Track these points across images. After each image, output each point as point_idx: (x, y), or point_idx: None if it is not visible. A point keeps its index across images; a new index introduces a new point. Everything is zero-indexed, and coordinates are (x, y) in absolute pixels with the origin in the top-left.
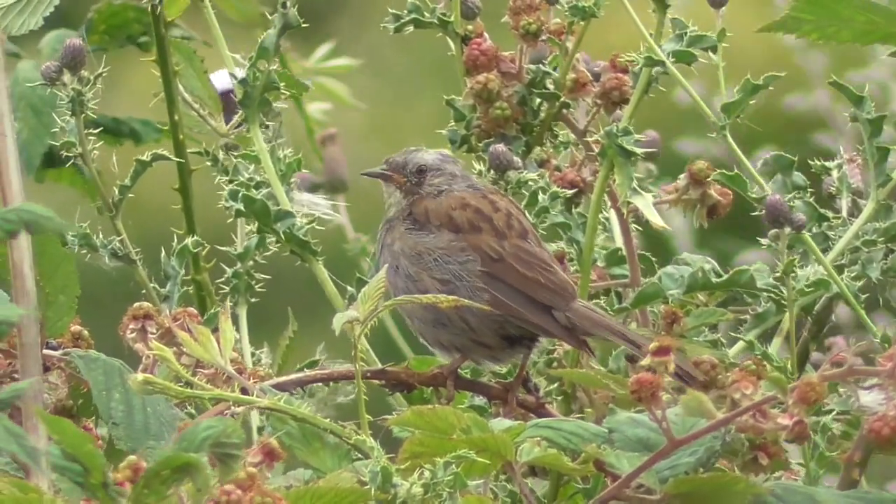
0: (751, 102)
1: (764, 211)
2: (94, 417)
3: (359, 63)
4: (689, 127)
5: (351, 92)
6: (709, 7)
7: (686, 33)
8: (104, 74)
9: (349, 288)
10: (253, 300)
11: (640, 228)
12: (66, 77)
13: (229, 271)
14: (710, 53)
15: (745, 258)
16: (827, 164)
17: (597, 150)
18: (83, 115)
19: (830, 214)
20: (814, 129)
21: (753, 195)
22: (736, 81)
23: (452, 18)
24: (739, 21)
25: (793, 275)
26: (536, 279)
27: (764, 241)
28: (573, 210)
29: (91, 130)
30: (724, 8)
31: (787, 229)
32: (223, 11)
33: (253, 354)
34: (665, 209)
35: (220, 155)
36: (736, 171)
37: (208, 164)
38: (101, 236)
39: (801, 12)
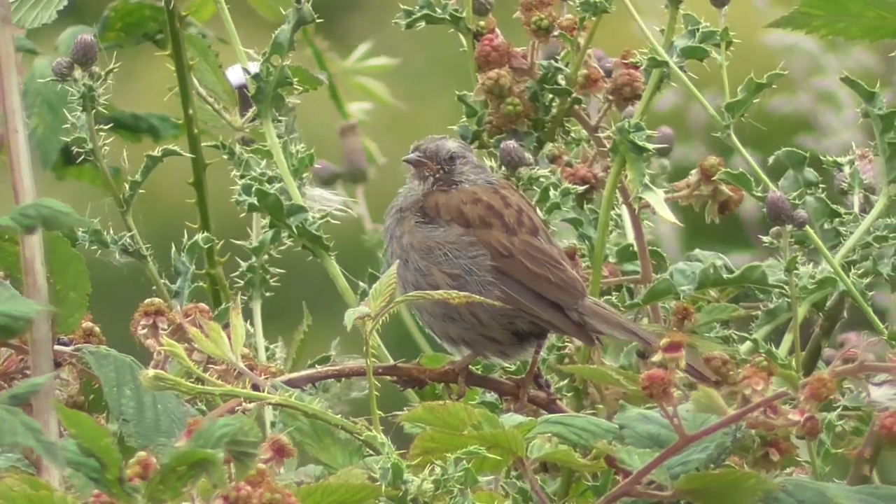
0: (754, 101)
1: (765, 208)
2: (105, 413)
3: (397, 62)
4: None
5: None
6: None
7: (698, 30)
8: (118, 69)
9: (361, 283)
10: (267, 294)
11: (651, 224)
12: (77, 73)
13: (244, 265)
14: (714, 52)
15: (734, 261)
16: (839, 159)
17: (608, 146)
18: (94, 110)
19: (842, 210)
20: (798, 131)
21: (758, 193)
22: (717, 85)
23: (464, 14)
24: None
25: (796, 272)
26: (546, 276)
27: (766, 238)
28: (585, 206)
29: (105, 126)
30: (726, 7)
31: (789, 226)
32: (236, 7)
33: (267, 349)
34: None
35: (237, 149)
36: (741, 169)
37: (224, 157)
38: (112, 232)
39: (811, 8)
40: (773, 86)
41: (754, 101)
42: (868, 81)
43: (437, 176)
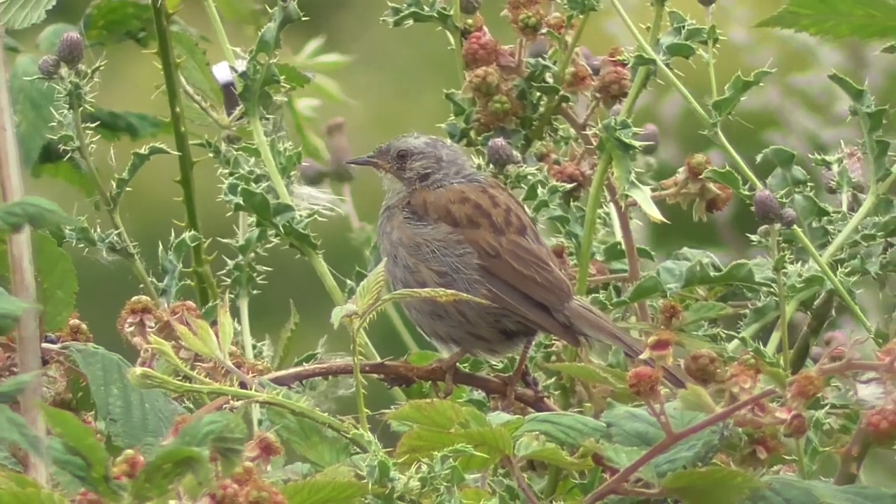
0: (741, 99)
1: (754, 207)
2: (93, 411)
3: (351, 59)
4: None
5: (354, 85)
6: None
7: (684, 27)
8: (104, 67)
9: (348, 281)
10: (255, 292)
11: (640, 223)
12: (64, 70)
13: (231, 263)
14: (701, 50)
15: None
16: (827, 158)
17: (595, 144)
18: (81, 108)
19: (830, 209)
20: (765, 127)
21: (745, 192)
22: (691, 85)
23: (452, 12)
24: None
25: (784, 271)
26: (532, 277)
27: (754, 237)
28: (571, 204)
29: (88, 124)
30: (713, 5)
31: (778, 225)
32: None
33: (254, 347)
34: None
35: (223, 147)
36: (728, 167)
37: (210, 156)
38: (98, 230)
39: (799, 7)
40: (761, 83)
41: (741, 98)
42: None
43: (391, 173)
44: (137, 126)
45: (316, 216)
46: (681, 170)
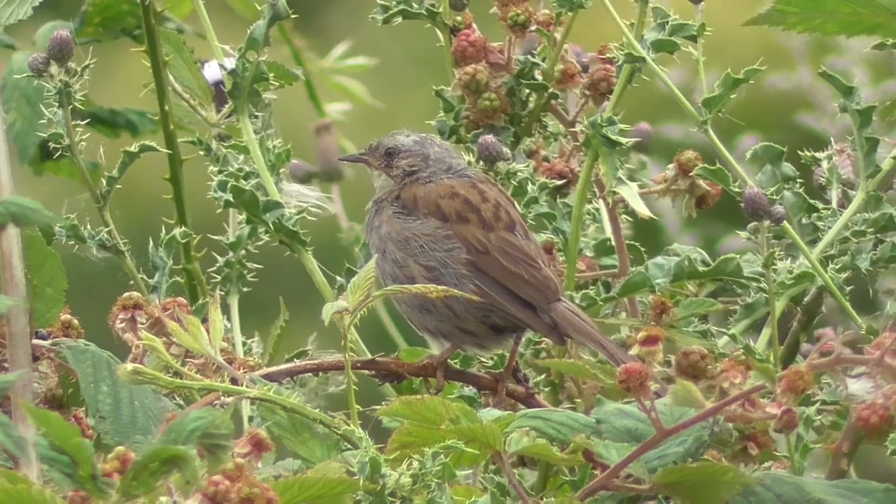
0: (732, 97)
1: (743, 204)
2: (84, 407)
3: (376, 62)
4: (671, 112)
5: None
6: None
7: (667, 22)
8: (94, 65)
9: (338, 278)
10: (245, 289)
11: (630, 219)
12: (54, 69)
13: (221, 260)
14: (691, 47)
15: (729, 244)
16: (817, 154)
17: (582, 141)
18: (70, 106)
19: (820, 205)
20: (797, 108)
21: (736, 188)
22: (716, 63)
23: (441, 9)
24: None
25: (774, 267)
26: (520, 274)
27: (743, 233)
28: (559, 200)
29: (82, 122)
30: (702, 3)
31: (767, 222)
32: (211, 2)
33: (244, 344)
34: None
35: (214, 144)
36: (718, 164)
37: (201, 153)
38: (89, 227)
39: (786, 4)
40: (751, 81)
41: (732, 96)
42: (872, 67)
43: (380, 170)
44: (137, 123)
45: (305, 214)
46: (670, 166)
